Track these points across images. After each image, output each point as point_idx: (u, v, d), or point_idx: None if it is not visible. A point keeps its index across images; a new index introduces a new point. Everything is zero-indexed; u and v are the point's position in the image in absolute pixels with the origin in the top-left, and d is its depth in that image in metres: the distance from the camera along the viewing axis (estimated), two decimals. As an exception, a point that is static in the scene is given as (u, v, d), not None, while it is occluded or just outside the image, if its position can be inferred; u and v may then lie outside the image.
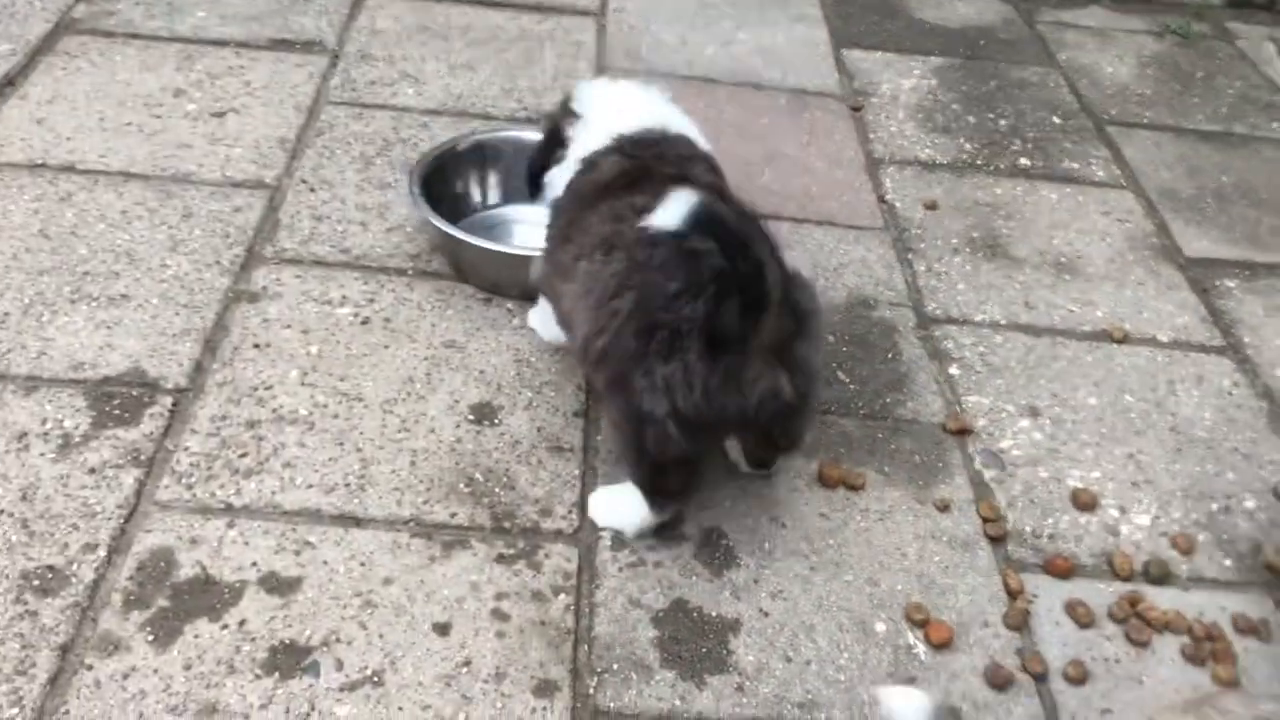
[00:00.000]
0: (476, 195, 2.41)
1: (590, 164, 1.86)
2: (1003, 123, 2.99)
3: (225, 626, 1.59)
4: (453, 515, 1.78)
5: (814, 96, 2.98)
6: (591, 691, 1.58)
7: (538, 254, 1.94)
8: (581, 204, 1.79)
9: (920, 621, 1.71)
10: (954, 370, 2.19)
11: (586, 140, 1.89)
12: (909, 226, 2.56)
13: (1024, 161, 2.84)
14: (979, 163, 2.81)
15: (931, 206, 2.63)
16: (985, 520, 1.88)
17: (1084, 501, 1.93)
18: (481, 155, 2.41)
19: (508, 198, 2.40)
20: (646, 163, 1.80)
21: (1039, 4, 3.64)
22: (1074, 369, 2.22)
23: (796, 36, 3.24)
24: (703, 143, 1.93)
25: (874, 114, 2.96)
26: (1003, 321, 2.32)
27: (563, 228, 1.82)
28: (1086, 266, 2.50)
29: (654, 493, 1.72)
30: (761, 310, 1.52)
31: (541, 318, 2.03)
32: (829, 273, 2.38)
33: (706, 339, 1.54)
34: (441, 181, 2.32)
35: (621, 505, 1.75)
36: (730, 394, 1.56)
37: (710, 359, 1.54)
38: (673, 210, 1.54)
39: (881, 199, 2.64)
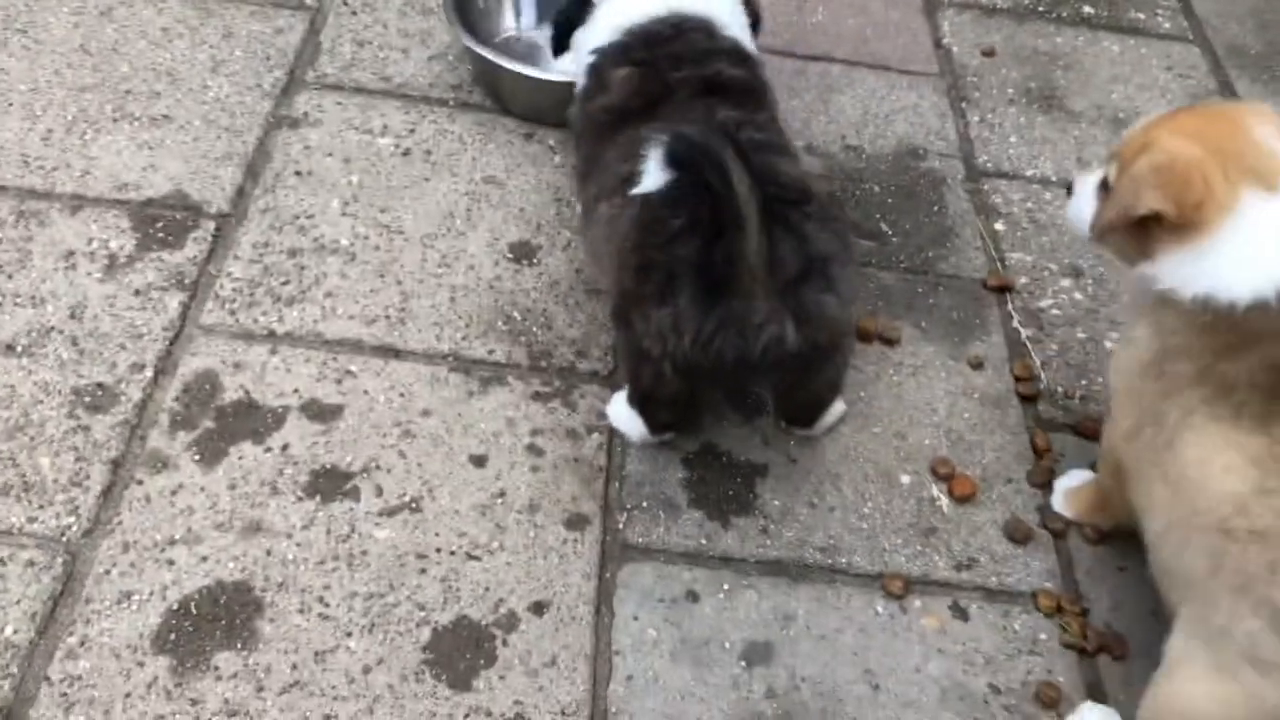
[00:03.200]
0: (509, 17, 2.34)
1: (599, 74, 1.70)
2: (1070, -34, 2.86)
3: (269, 450, 1.64)
4: (490, 352, 1.80)
5: (874, -70, 2.85)
6: (621, 526, 1.63)
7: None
8: (598, 136, 1.66)
9: (945, 475, 1.74)
10: (999, 226, 2.16)
11: (608, 13, 1.75)
12: (964, 74, 2.48)
13: (1088, 10, 2.73)
14: (1041, 9, 2.70)
15: (989, 53, 2.54)
16: (1018, 379, 1.89)
17: (1119, 364, 1.93)
18: None
19: (543, 18, 2.29)
20: (662, 73, 1.64)
21: None
22: (1121, 230, 2.18)
23: None
24: (729, 24, 1.74)
25: (935, -48, 2.83)
26: (1053, 178, 2.27)
27: (583, 163, 1.69)
28: (1144, 123, 2.43)
29: (646, 420, 1.67)
30: (739, 230, 1.37)
31: None
32: (879, 120, 2.32)
33: (703, 281, 1.42)
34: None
35: (628, 416, 1.69)
36: (729, 341, 1.44)
37: (705, 303, 1.42)
38: (653, 174, 1.45)
39: (938, 43, 2.55)
